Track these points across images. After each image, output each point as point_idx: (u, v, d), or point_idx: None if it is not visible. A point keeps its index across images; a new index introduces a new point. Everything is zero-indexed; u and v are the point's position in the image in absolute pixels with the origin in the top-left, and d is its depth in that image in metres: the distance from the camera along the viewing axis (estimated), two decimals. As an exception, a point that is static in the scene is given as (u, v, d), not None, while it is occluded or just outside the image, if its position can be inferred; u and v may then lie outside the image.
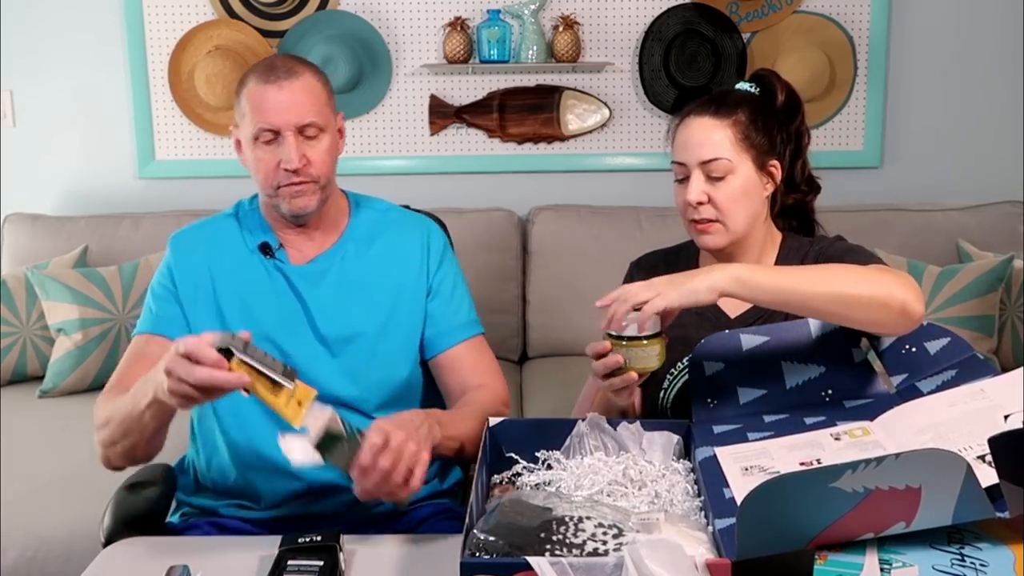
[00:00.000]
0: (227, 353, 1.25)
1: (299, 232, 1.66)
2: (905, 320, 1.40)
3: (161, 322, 1.63)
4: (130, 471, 1.73)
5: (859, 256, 1.56)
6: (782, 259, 1.64)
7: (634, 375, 1.40)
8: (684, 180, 1.60)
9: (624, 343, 1.37)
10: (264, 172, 1.58)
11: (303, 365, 1.52)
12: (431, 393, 1.72)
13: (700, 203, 1.57)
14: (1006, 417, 1.28)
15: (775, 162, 1.61)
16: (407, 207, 1.84)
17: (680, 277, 1.37)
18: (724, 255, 1.65)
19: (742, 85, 1.66)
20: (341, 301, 1.64)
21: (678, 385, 1.60)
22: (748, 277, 1.38)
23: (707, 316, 1.65)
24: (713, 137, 1.57)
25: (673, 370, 1.60)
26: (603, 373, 1.40)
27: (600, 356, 1.40)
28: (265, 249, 1.65)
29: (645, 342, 1.38)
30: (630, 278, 1.74)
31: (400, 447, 1.32)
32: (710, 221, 1.58)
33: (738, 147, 1.57)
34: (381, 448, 1.31)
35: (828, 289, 1.38)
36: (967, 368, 1.42)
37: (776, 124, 1.62)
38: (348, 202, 1.73)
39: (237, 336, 1.27)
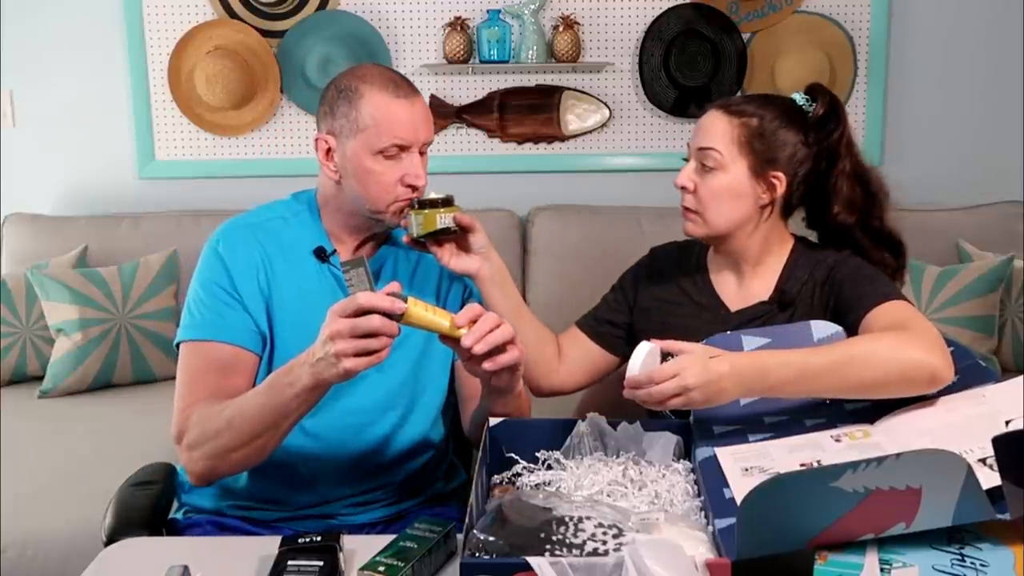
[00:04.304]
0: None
1: (353, 238, 1.64)
2: (933, 386, 1.39)
3: (232, 331, 1.55)
4: (129, 471, 1.73)
5: (874, 284, 1.55)
6: (790, 267, 1.64)
7: (407, 237, 1.59)
8: (687, 161, 1.63)
9: (416, 208, 1.57)
10: (383, 186, 1.56)
11: None
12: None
13: (685, 188, 1.61)
14: (1007, 423, 1.28)
15: (778, 174, 1.59)
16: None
17: (713, 393, 1.34)
18: (721, 254, 1.67)
19: (797, 96, 1.64)
20: None
21: None
22: (774, 387, 1.38)
23: (707, 307, 1.66)
24: (716, 129, 1.59)
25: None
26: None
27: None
28: (320, 254, 1.62)
29: (423, 210, 1.56)
30: (641, 265, 1.78)
31: (496, 319, 1.36)
32: (691, 210, 1.61)
33: (736, 146, 1.57)
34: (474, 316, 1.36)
35: (850, 383, 1.38)
36: (969, 374, 1.42)
37: (803, 138, 1.60)
38: None
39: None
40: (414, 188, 1.57)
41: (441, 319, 1.35)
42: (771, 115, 1.59)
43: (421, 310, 1.33)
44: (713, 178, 1.58)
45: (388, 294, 1.31)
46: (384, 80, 1.57)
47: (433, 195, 1.57)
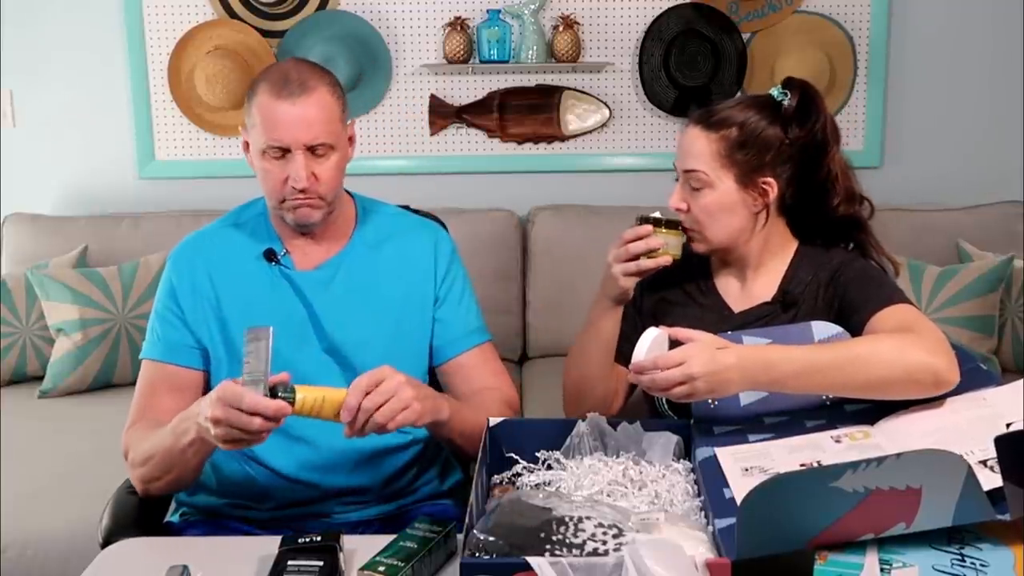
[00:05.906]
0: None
1: (306, 238, 1.65)
2: (939, 389, 1.39)
3: (170, 350, 1.62)
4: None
5: (880, 287, 1.54)
6: (793, 268, 1.63)
7: (668, 259, 1.54)
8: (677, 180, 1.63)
9: (664, 229, 1.54)
10: (271, 185, 1.56)
11: (310, 375, 1.47)
12: None
13: (679, 209, 1.61)
14: (1008, 426, 1.28)
15: (768, 179, 1.58)
16: (406, 207, 1.84)
17: (717, 384, 1.35)
18: (723, 262, 1.67)
19: (774, 91, 1.63)
20: (349, 307, 1.62)
21: None
22: (778, 380, 1.39)
23: (711, 309, 1.66)
24: (696, 149, 1.58)
25: None
26: (638, 252, 1.53)
27: (634, 240, 1.52)
28: (270, 255, 1.63)
29: (679, 231, 1.56)
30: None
31: (393, 389, 1.37)
32: (689, 228, 1.61)
33: (718, 162, 1.56)
34: (368, 388, 1.36)
35: (854, 380, 1.38)
36: (969, 378, 1.42)
37: (784, 134, 1.58)
38: (355, 207, 1.71)
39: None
40: (302, 191, 1.54)
41: (328, 413, 1.36)
42: (751, 119, 1.58)
43: (308, 405, 1.34)
44: (703, 197, 1.58)
45: (274, 384, 1.32)
46: (275, 79, 1.54)
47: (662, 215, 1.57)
